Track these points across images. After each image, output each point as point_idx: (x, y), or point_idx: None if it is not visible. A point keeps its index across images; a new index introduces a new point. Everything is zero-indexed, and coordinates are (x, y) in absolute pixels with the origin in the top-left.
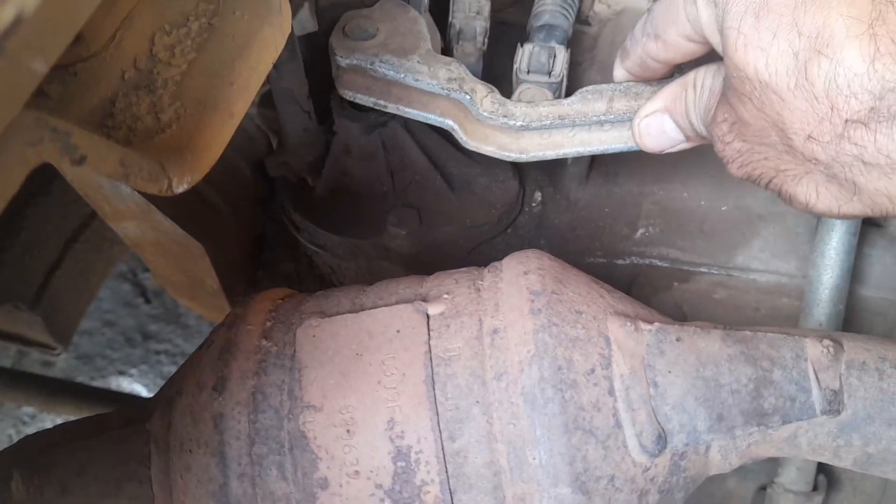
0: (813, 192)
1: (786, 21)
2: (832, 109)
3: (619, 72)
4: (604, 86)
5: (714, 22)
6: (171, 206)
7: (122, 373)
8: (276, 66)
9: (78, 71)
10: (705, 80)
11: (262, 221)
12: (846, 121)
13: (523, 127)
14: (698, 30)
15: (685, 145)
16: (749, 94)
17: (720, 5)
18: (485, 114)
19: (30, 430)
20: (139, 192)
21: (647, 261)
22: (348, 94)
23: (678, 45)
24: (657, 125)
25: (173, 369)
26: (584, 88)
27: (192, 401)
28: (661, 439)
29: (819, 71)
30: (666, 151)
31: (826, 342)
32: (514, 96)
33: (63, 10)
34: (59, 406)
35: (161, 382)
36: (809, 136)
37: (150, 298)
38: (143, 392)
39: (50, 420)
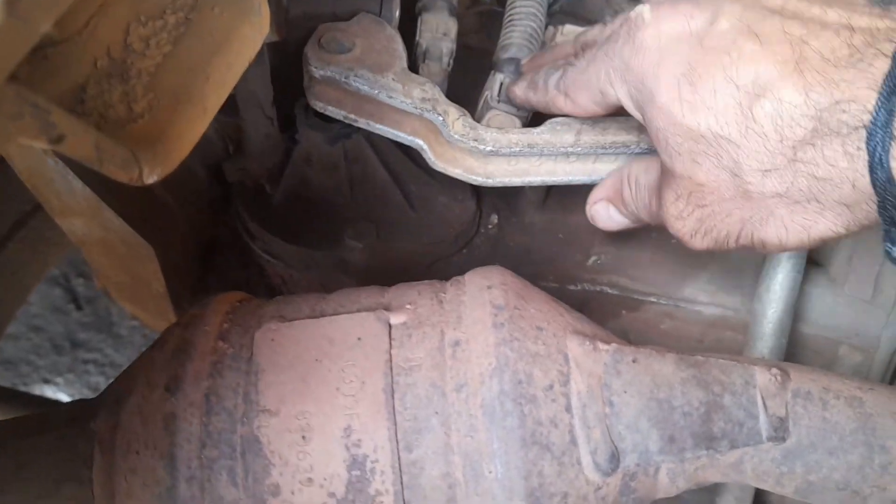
0: (781, 228)
1: (720, 79)
2: (781, 140)
3: (520, 94)
4: (573, 118)
5: (633, 101)
6: (122, 204)
7: (47, 381)
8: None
9: (48, 54)
10: (639, 177)
11: (215, 226)
12: (794, 146)
13: (492, 152)
14: (611, 102)
15: (634, 226)
16: (705, 151)
17: (645, 86)
18: (456, 136)
19: None
20: (93, 185)
21: (598, 288)
22: (319, 106)
23: (585, 108)
24: (604, 212)
25: (101, 380)
26: (554, 120)
27: (142, 400)
28: (615, 458)
29: (763, 111)
30: (619, 230)
31: (774, 371)
32: (484, 121)
33: None
34: None
35: (88, 393)
36: (766, 171)
37: (81, 305)
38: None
39: None
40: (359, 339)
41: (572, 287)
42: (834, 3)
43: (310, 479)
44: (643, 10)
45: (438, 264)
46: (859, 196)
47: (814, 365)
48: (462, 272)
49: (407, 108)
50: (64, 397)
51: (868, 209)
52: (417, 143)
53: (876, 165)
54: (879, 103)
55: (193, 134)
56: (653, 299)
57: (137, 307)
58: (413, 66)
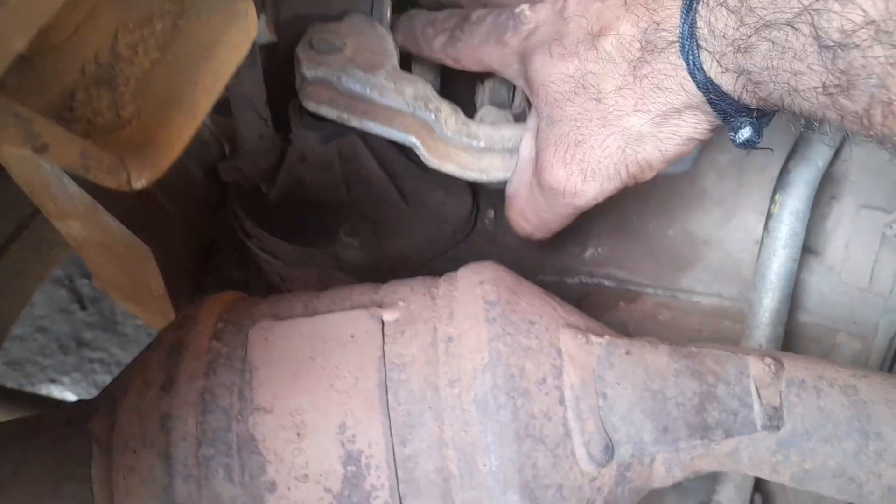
0: (656, 141)
1: (580, 33)
2: (625, 62)
3: (399, 40)
4: None
5: (521, 75)
6: (119, 207)
7: (53, 380)
8: (235, 72)
9: (36, 63)
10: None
11: (212, 227)
12: (634, 65)
13: (486, 148)
14: (503, 72)
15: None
16: (575, 88)
17: (529, 60)
18: (448, 133)
19: None
20: (90, 189)
21: (595, 280)
22: (312, 106)
23: (468, 69)
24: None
25: (107, 378)
26: None
27: (138, 400)
28: (609, 449)
29: (610, 44)
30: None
31: (768, 360)
32: (477, 117)
33: None
34: None
35: (94, 392)
36: (619, 89)
37: (86, 305)
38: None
39: None
40: (352, 336)
41: (570, 280)
42: None
43: (305, 476)
44: (524, 8)
45: (436, 260)
46: (695, 98)
47: (812, 353)
48: (460, 267)
49: (399, 107)
50: (70, 396)
51: (709, 108)
52: (411, 140)
53: (694, 70)
54: (682, 20)
55: (182, 139)
56: (650, 290)
57: (138, 308)
58: (405, 63)
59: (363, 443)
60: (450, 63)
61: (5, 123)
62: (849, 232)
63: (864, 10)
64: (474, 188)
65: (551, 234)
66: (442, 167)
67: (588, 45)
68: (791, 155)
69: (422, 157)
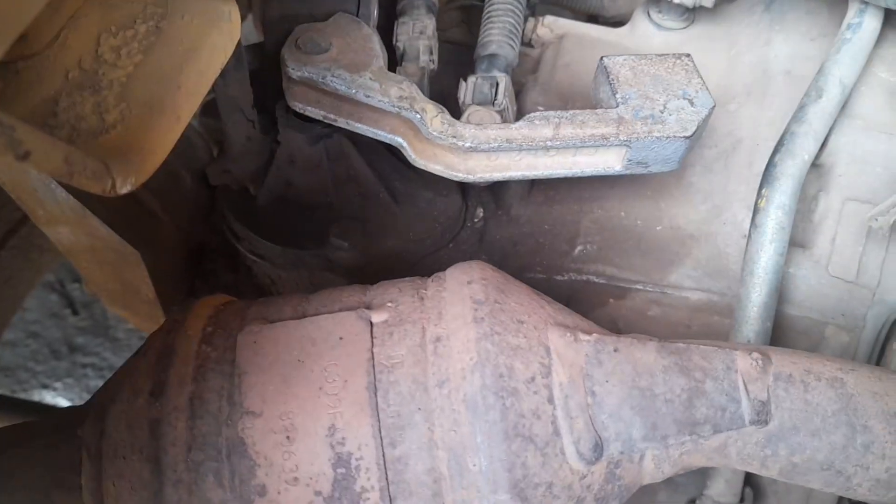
0: None
1: None
2: None
3: None
4: (550, 112)
5: None
6: (108, 212)
7: (45, 386)
8: (221, 75)
9: (20, 69)
10: None
11: (202, 230)
12: None
13: (471, 148)
14: None
15: None
16: None
17: None
18: (434, 133)
19: None
20: (78, 194)
21: (584, 277)
22: (298, 107)
23: None
24: None
25: (100, 383)
26: (532, 114)
27: (127, 406)
28: (598, 447)
29: None
30: None
31: (755, 355)
32: (463, 118)
33: (14, 3)
34: None
35: (87, 397)
36: None
37: (77, 310)
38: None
39: None
40: (340, 338)
41: (559, 277)
42: None
43: (296, 479)
44: None
45: (426, 260)
46: None
47: (801, 346)
48: (449, 267)
49: (385, 107)
50: (63, 402)
51: None
52: (397, 140)
53: None
54: None
55: (166, 143)
56: (639, 287)
57: (128, 313)
58: (393, 68)
59: (353, 445)
60: None
61: None
62: (835, 225)
63: None
64: (464, 187)
65: None
66: (428, 167)
67: None
68: (777, 149)
69: (408, 158)
